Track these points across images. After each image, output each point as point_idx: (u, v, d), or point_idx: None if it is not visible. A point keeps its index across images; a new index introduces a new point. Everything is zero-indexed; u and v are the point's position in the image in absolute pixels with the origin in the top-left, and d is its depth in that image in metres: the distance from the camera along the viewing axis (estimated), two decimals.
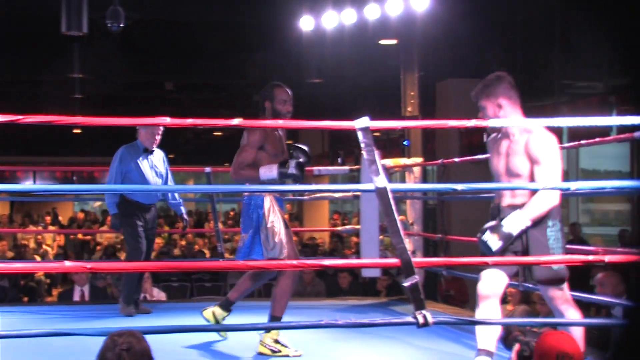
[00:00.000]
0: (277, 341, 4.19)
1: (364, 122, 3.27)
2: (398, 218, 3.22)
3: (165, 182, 5.56)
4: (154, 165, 5.49)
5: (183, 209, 5.68)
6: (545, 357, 2.71)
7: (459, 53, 9.98)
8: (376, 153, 3.25)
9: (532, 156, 3.59)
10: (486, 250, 3.52)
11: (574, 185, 3.65)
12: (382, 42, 9.66)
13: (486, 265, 3.58)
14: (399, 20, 8.11)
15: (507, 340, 2.98)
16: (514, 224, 3.49)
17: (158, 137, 5.45)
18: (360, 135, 3.26)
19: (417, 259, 3.41)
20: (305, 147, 4.32)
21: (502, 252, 3.52)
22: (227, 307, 4.47)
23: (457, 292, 7.99)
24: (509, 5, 9.81)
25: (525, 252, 3.62)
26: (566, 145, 5.61)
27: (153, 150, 5.48)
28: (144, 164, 5.41)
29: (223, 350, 4.38)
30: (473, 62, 10.25)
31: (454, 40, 9.57)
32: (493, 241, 3.50)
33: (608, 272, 5.03)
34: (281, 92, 4.54)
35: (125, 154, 5.41)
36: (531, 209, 3.52)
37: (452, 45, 9.74)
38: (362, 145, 3.27)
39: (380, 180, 3.20)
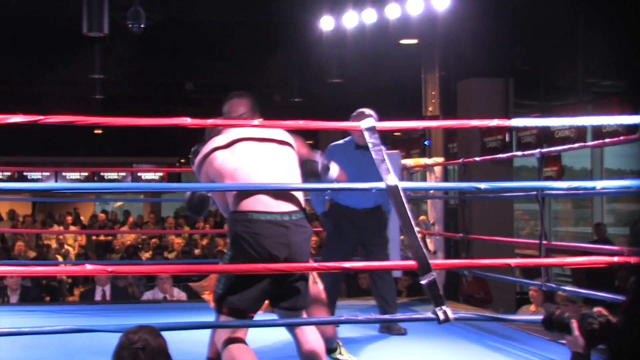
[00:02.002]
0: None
1: (369, 122, 3.39)
2: (412, 216, 3.22)
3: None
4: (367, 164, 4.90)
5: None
6: None
7: (481, 52, 9.91)
8: (385, 152, 3.32)
9: None
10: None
11: (600, 185, 3.62)
12: (403, 41, 9.63)
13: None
14: (420, 19, 8.07)
15: (551, 321, 2.61)
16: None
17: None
18: (366, 135, 3.35)
19: (437, 261, 3.38)
20: None
21: None
22: None
23: (480, 292, 7.94)
24: (531, 3, 9.72)
25: None
26: (590, 144, 5.56)
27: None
28: (356, 162, 4.73)
29: None
30: (495, 61, 10.18)
31: (475, 40, 9.50)
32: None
33: None
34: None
35: (336, 151, 4.84)
36: None
37: (474, 45, 9.68)
38: (370, 145, 3.35)
39: (391, 179, 3.21)
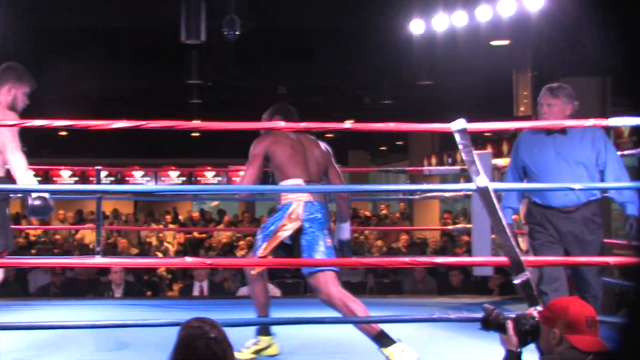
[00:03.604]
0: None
1: (460, 124, 3.35)
2: (503, 216, 3.27)
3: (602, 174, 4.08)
4: (564, 152, 4.16)
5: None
6: (574, 324, 2.55)
7: (574, 51, 9.73)
8: (475, 153, 3.31)
9: None
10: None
11: None
12: (494, 43, 9.58)
13: None
14: (512, 20, 8.03)
15: (488, 322, 2.82)
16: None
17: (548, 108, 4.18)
18: (457, 137, 3.34)
19: (529, 258, 3.41)
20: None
21: None
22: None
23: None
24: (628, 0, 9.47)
25: None
26: None
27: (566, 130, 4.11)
28: (546, 151, 4.17)
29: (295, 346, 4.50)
30: (591, 59, 9.96)
31: (569, 39, 9.34)
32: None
33: None
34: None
35: (526, 141, 4.28)
36: None
37: (567, 44, 9.52)
38: (460, 147, 3.34)
39: (481, 180, 3.26)
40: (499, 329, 2.80)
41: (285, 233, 4.04)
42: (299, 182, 4.11)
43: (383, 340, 3.84)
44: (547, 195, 4.12)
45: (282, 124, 4.11)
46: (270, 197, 9.26)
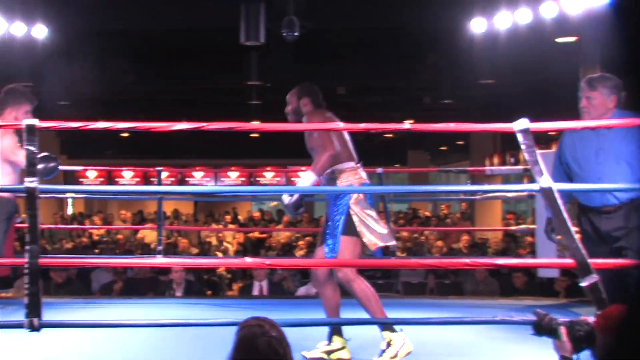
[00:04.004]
0: None
1: (523, 123, 3.27)
2: (568, 217, 3.18)
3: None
4: (607, 148, 3.94)
5: None
6: None
7: None
8: (538, 153, 3.23)
9: None
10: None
11: None
12: (560, 40, 9.36)
13: None
14: (579, 16, 7.81)
15: (541, 327, 2.77)
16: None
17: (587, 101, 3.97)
18: (520, 137, 3.27)
19: (596, 260, 3.29)
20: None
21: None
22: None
23: None
24: None
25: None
26: None
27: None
28: (588, 147, 4.00)
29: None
30: None
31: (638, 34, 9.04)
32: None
33: None
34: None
35: (571, 136, 4.07)
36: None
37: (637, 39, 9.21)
38: (523, 147, 3.27)
39: (545, 180, 3.17)
40: (552, 335, 2.75)
41: (369, 220, 4.08)
42: (352, 164, 4.23)
43: (388, 325, 4.02)
44: (586, 194, 3.93)
45: (341, 124, 4.09)
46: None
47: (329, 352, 4.22)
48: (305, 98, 4.45)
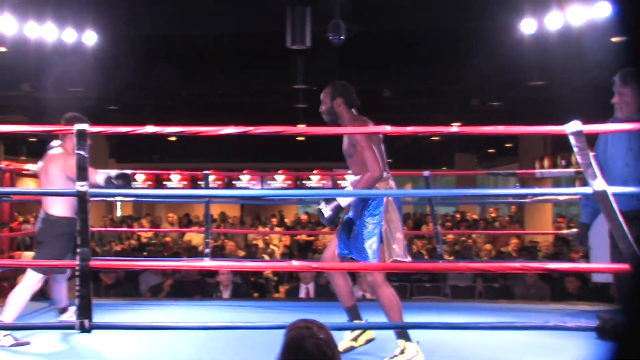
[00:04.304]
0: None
1: (575, 125, 3.22)
2: (624, 222, 3.09)
3: None
4: (637, 148, 3.84)
5: None
6: None
7: None
8: (591, 156, 3.17)
9: None
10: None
11: None
12: (615, 39, 9.16)
13: None
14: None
15: (604, 331, 2.66)
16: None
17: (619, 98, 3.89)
18: (572, 139, 3.21)
19: None
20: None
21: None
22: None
23: None
24: None
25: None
26: None
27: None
28: (619, 147, 3.90)
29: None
30: None
31: None
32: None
33: None
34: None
35: (611, 136, 3.92)
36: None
37: None
38: (575, 150, 3.20)
39: (599, 184, 3.09)
40: (617, 339, 2.63)
41: (396, 225, 4.12)
42: (385, 175, 4.21)
43: (404, 333, 4.06)
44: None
45: (388, 128, 4.03)
46: None
47: (355, 338, 4.33)
48: (338, 98, 4.44)
